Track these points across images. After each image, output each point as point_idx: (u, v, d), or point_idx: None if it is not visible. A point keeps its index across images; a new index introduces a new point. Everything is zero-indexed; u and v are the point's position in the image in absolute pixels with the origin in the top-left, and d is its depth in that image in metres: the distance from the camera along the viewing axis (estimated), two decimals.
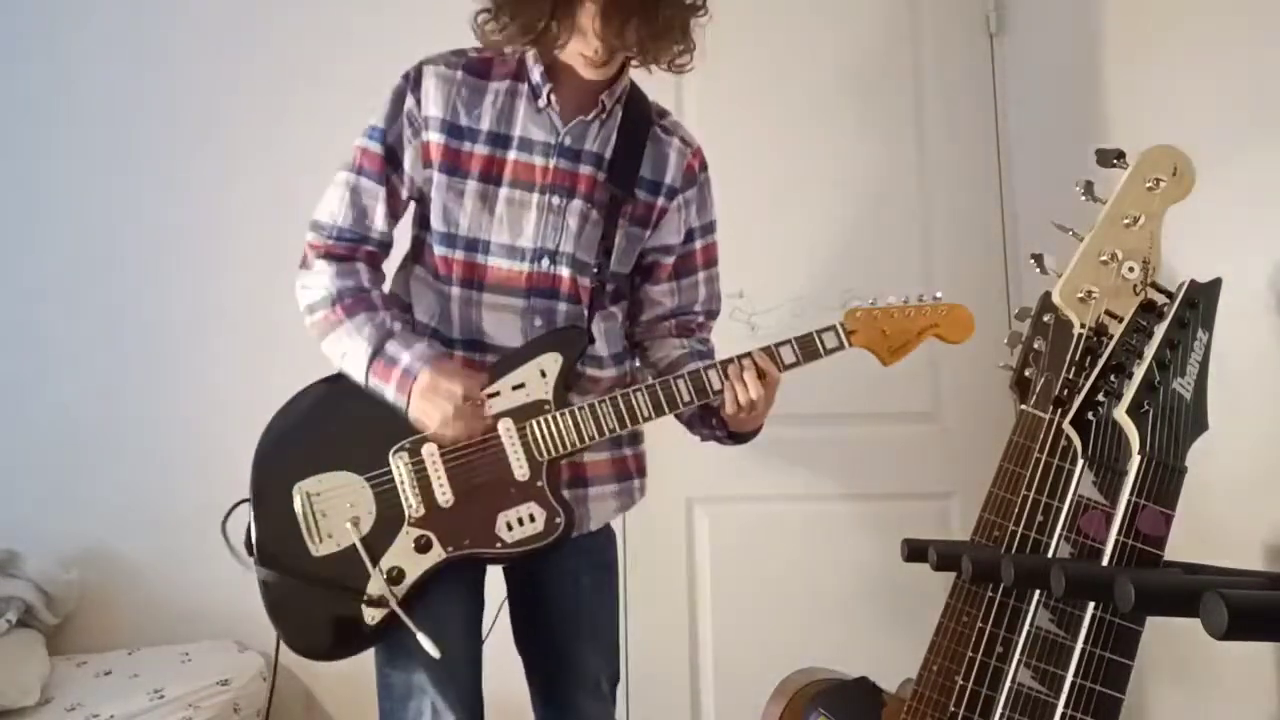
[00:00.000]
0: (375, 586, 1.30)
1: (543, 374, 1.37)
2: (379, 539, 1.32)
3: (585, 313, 1.44)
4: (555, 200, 1.41)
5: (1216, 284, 1.05)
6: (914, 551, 1.49)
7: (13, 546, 2.05)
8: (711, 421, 1.50)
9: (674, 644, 2.26)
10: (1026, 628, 1.11)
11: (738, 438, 1.53)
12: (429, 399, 1.31)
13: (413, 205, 1.47)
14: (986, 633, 1.30)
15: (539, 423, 1.34)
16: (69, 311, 2.29)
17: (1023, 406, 1.48)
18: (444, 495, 1.33)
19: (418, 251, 1.47)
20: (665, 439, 2.30)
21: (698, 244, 1.56)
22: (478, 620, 1.45)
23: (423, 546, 1.32)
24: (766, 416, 1.46)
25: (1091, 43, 2.04)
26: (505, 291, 1.40)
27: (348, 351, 1.35)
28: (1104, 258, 1.22)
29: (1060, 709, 0.99)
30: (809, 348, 1.41)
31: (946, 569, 1.39)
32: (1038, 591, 1.12)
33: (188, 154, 2.34)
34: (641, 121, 1.48)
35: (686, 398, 1.38)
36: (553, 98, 1.41)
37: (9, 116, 2.34)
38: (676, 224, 1.52)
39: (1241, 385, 1.48)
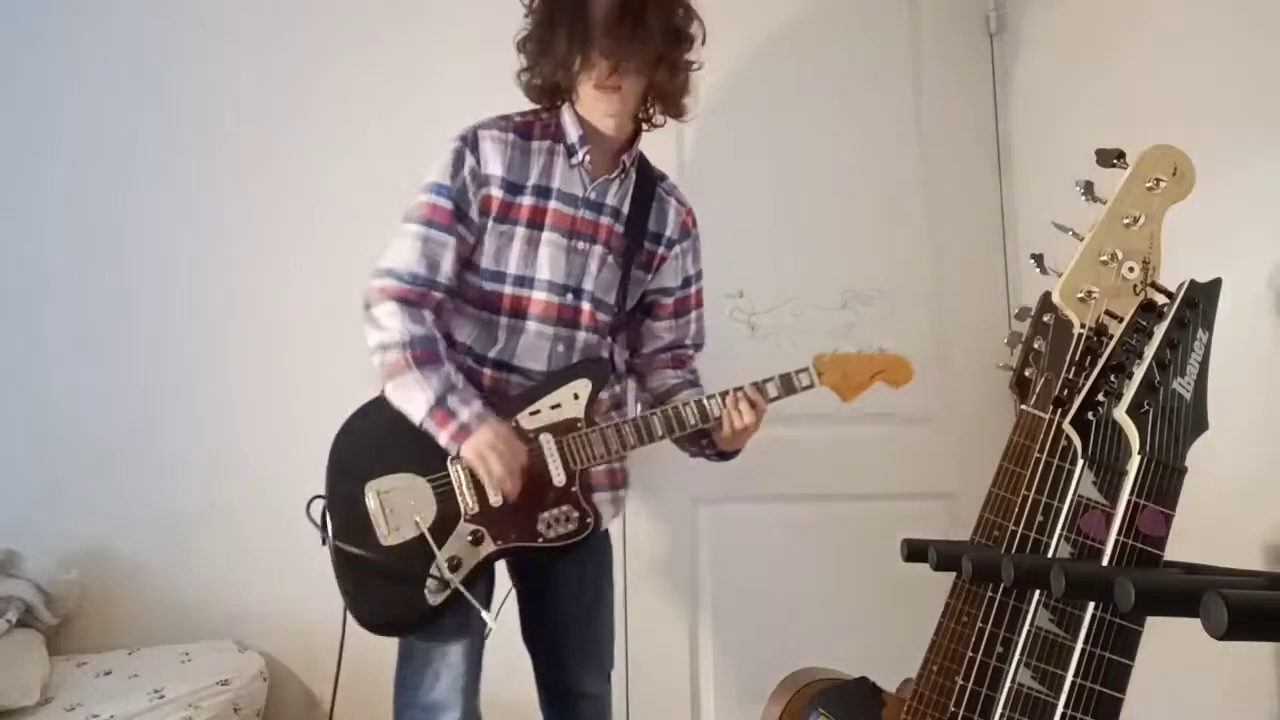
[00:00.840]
0: (440, 571, 1.51)
1: (575, 396, 1.62)
2: (438, 532, 1.53)
3: (601, 342, 1.70)
4: (580, 245, 1.66)
5: (1216, 284, 1.05)
6: (914, 551, 1.49)
7: (13, 546, 2.05)
8: (701, 441, 1.72)
9: (674, 644, 2.26)
10: (1026, 628, 1.11)
11: (724, 455, 1.75)
12: (486, 450, 1.51)
13: None
14: (986, 633, 1.30)
15: (573, 437, 1.59)
16: (70, 311, 2.29)
17: (1023, 406, 1.48)
18: (495, 498, 1.54)
19: (461, 287, 1.65)
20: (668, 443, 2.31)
21: (693, 288, 1.84)
22: (490, 601, 1.66)
23: (477, 539, 1.54)
24: (747, 439, 1.70)
25: (1091, 43, 2.04)
26: (541, 320, 1.64)
27: (412, 396, 1.53)
28: (1104, 258, 1.22)
29: (1060, 709, 0.99)
30: (789, 384, 1.68)
31: (946, 569, 1.39)
32: (1038, 591, 1.12)
33: (191, 152, 2.34)
34: (649, 183, 1.75)
35: (693, 421, 1.64)
36: (587, 157, 1.66)
37: (9, 116, 2.34)
38: (674, 270, 1.79)
39: (1242, 385, 1.48)
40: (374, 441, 1.58)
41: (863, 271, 2.37)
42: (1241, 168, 1.52)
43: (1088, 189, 1.27)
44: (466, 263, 1.64)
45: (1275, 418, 1.47)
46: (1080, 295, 1.23)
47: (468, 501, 1.54)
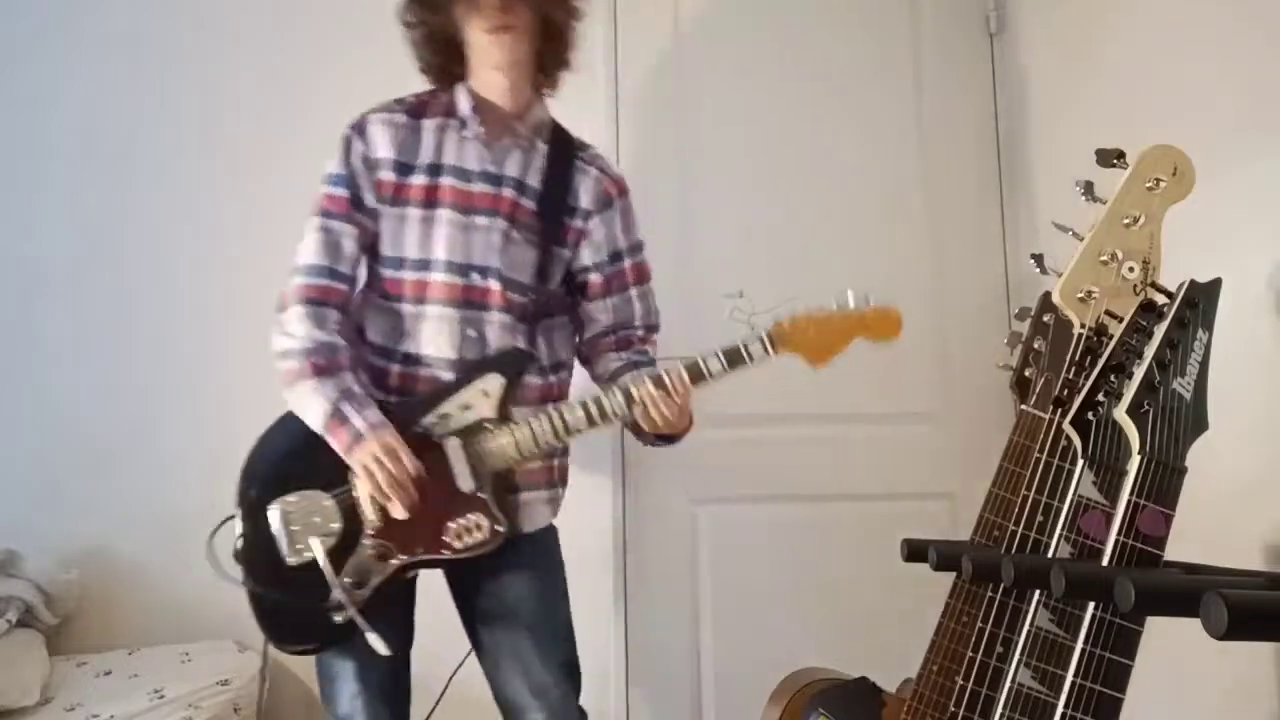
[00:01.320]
0: (337, 594, 1.43)
1: (485, 394, 1.52)
2: (342, 549, 1.46)
3: (519, 325, 1.59)
4: (481, 220, 1.57)
5: (1216, 284, 1.05)
6: (914, 551, 1.49)
7: (13, 546, 2.05)
8: (640, 429, 1.60)
9: (674, 644, 2.26)
10: (1026, 628, 1.11)
11: (663, 440, 1.64)
12: (370, 460, 1.44)
13: None
14: (986, 633, 1.30)
15: (482, 440, 1.49)
16: (70, 311, 2.29)
17: (1023, 406, 1.48)
18: (398, 510, 1.46)
19: (370, 279, 1.62)
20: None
21: (626, 263, 1.71)
22: (407, 619, 1.62)
23: (382, 554, 1.47)
24: (687, 421, 1.59)
25: (1091, 42, 2.04)
26: (444, 304, 1.55)
27: (309, 405, 1.49)
28: (1104, 258, 1.22)
29: (1060, 709, 0.99)
30: (734, 358, 1.53)
31: (946, 569, 1.39)
32: (1038, 591, 1.12)
33: (191, 152, 2.34)
34: (566, 155, 1.66)
35: (618, 410, 1.52)
36: (480, 127, 1.59)
37: (9, 115, 2.34)
38: (597, 244, 1.68)
39: (1242, 385, 1.48)
40: (283, 455, 1.53)
41: (863, 271, 2.36)
42: (1241, 168, 1.52)
43: (1088, 189, 1.27)
44: (373, 253, 1.60)
45: (1275, 418, 1.47)
46: (1080, 295, 1.23)
47: (369, 515, 1.47)
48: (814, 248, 2.37)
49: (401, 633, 1.59)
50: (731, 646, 2.25)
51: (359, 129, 1.59)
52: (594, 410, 1.51)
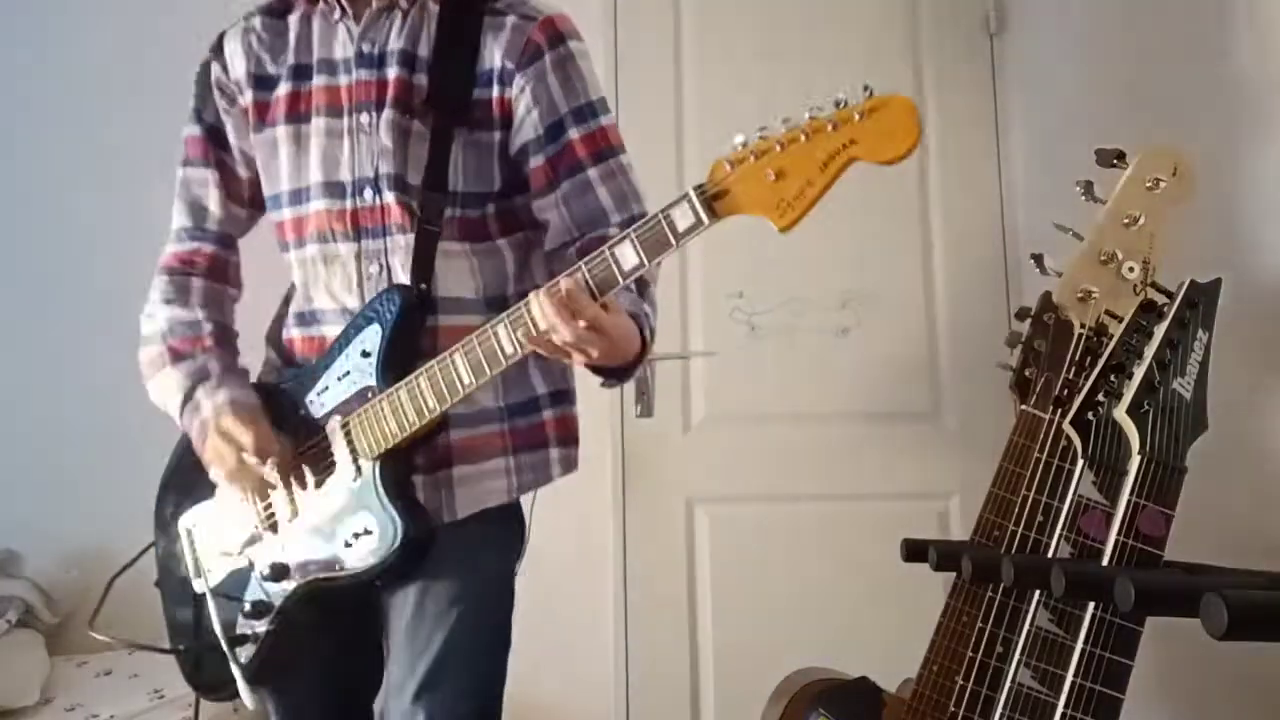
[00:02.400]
0: (240, 629, 1.19)
1: (365, 354, 1.15)
2: (245, 569, 1.21)
3: (463, 247, 1.22)
4: (364, 118, 1.20)
5: (1216, 284, 1.05)
6: (914, 551, 1.49)
7: (13, 546, 2.05)
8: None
9: (674, 644, 2.26)
10: (1026, 628, 1.11)
11: (608, 373, 1.16)
12: (215, 448, 1.19)
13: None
14: (986, 633, 1.30)
15: (361, 415, 1.14)
16: (69, 311, 2.29)
17: (1023, 406, 1.48)
18: (284, 512, 1.19)
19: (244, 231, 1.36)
20: (664, 439, 2.31)
21: (573, 133, 1.22)
22: (353, 672, 1.30)
23: (277, 573, 1.17)
24: (633, 346, 1.11)
25: (1091, 42, 2.04)
26: (335, 238, 1.22)
27: (168, 400, 1.26)
28: (1104, 258, 1.22)
29: (1060, 709, 0.99)
30: (654, 237, 1.00)
31: (946, 569, 1.39)
32: (1038, 591, 1.12)
33: None
34: (467, 11, 1.22)
35: (510, 350, 1.06)
36: (345, 4, 1.23)
37: (9, 115, 2.34)
38: (528, 113, 1.21)
39: (1241, 385, 1.48)
40: (184, 470, 1.29)
41: (863, 271, 2.37)
42: (1242, 168, 1.52)
43: (1088, 189, 1.27)
44: (257, 203, 1.33)
45: (1275, 417, 1.47)
46: (1080, 295, 1.23)
47: (259, 525, 1.21)
48: (814, 248, 2.37)
49: (346, 670, 1.30)
50: (731, 646, 2.25)
51: (215, 48, 1.31)
52: (481, 349, 1.07)
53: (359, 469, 1.14)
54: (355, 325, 1.18)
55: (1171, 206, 1.21)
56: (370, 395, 1.14)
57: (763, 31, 2.43)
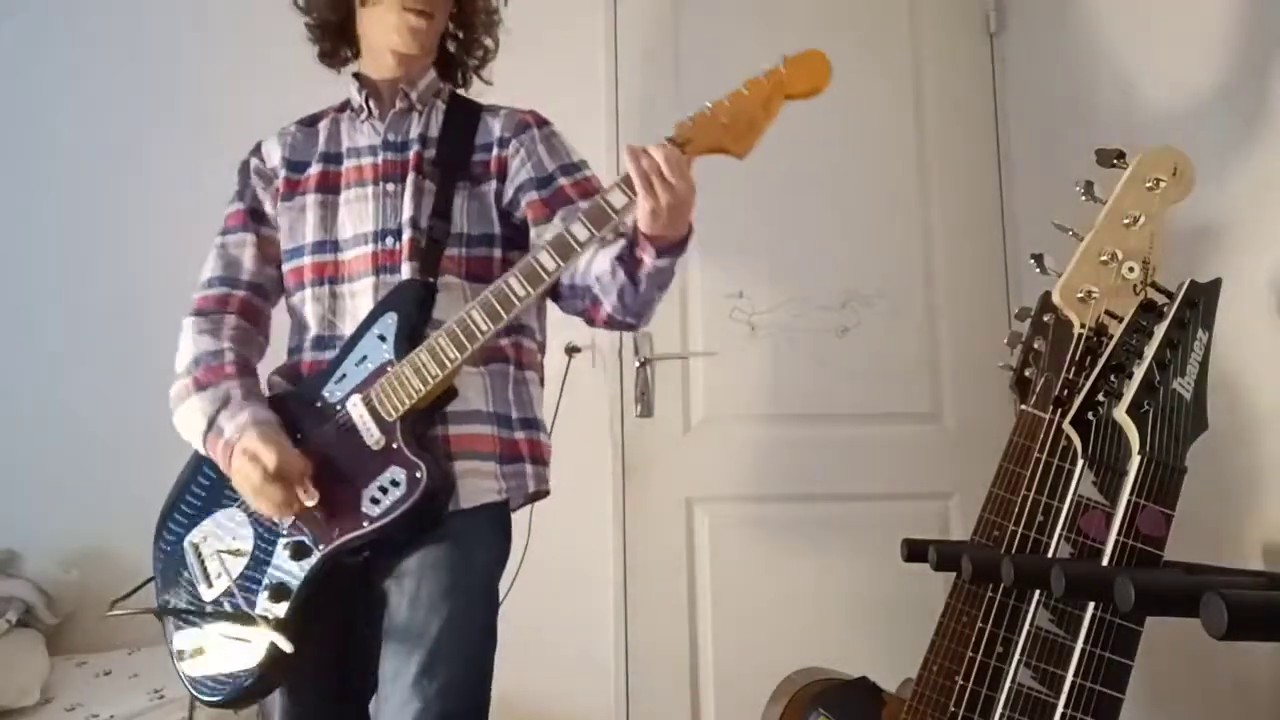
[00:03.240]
0: (259, 611, 1.27)
1: (381, 339, 1.33)
2: (261, 560, 1.31)
3: (461, 283, 1.39)
4: (390, 186, 1.44)
5: (1216, 284, 1.05)
6: (914, 551, 1.49)
7: (13, 546, 2.05)
8: (623, 257, 1.30)
9: (674, 644, 2.26)
10: (1026, 628, 1.11)
11: (660, 250, 1.28)
12: (239, 469, 1.29)
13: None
14: (986, 633, 1.30)
15: (382, 383, 1.30)
16: (69, 311, 2.29)
17: (1023, 406, 1.48)
18: (306, 493, 1.29)
19: (286, 294, 1.50)
20: (662, 437, 2.31)
21: (563, 181, 1.45)
22: (351, 678, 1.38)
23: (299, 552, 1.29)
24: (687, 211, 1.26)
25: (1091, 43, 2.04)
26: (356, 276, 1.41)
27: (191, 424, 1.38)
28: (1104, 258, 1.22)
29: (1060, 709, 0.99)
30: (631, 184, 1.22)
31: (946, 569, 1.39)
32: (1038, 591, 1.12)
33: (190, 154, 2.33)
34: (468, 110, 1.52)
35: (522, 293, 1.26)
36: (370, 104, 1.50)
37: (10, 115, 2.34)
38: (523, 164, 1.46)
39: (1241, 385, 1.48)
40: (185, 493, 1.42)
41: (862, 271, 2.37)
42: (1241, 168, 1.52)
43: (1088, 189, 1.27)
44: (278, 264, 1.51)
45: (1275, 417, 1.47)
46: (1080, 295, 1.23)
47: (274, 519, 1.32)
48: (814, 248, 2.37)
49: (345, 676, 1.39)
50: (731, 646, 2.25)
51: (255, 150, 1.56)
52: (494, 296, 1.27)
53: (383, 430, 1.29)
54: (368, 320, 1.35)
55: (1171, 206, 1.21)
56: (389, 369, 1.30)
57: (762, 32, 2.43)
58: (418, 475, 1.25)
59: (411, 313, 1.33)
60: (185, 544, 1.37)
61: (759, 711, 1.72)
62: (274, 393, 1.43)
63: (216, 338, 1.43)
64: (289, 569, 1.28)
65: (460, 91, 1.58)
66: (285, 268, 1.48)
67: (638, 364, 2.30)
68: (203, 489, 1.40)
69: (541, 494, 1.44)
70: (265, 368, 1.50)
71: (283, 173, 1.51)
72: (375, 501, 1.26)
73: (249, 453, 1.27)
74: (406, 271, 1.38)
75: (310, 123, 1.57)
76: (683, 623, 2.27)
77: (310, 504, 1.29)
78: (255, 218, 1.51)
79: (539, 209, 1.44)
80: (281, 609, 1.27)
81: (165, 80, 2.36)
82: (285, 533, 1.31)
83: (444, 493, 1.30)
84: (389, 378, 1.29)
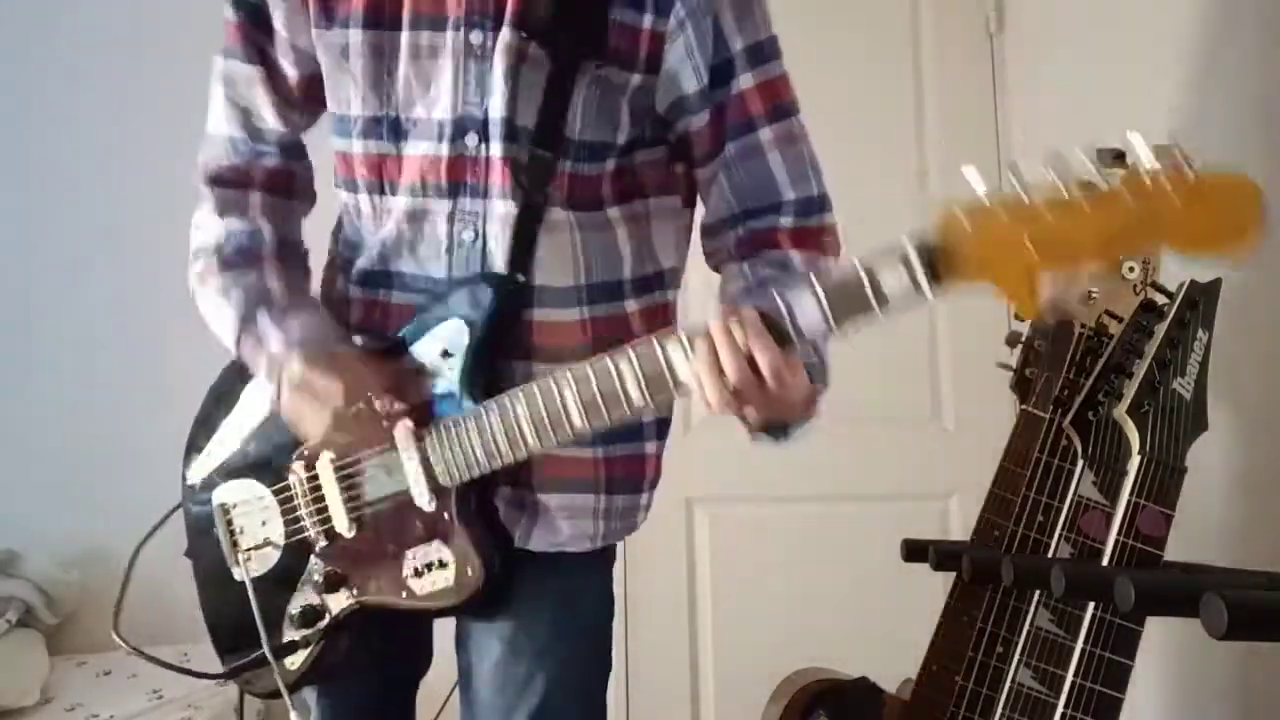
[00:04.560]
0: (286, 635, 1.01)
1: (446, 354, 0.96)
2: (291, 567, 1.02)
3: (573, 216, 0.99)
4: (475, 38, 0.95)
5: (1216, 284, 1.05)
6: (914, 551, 1.49)
7: (13, 546, 2.05)
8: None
9: (674, 644, 2.26)
10: (1026, 628, 1.11)
11: (773, 431, 1.04)
12: (303, 400, 0.97)
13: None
14: (986, 633, 1.30)
15: (442, 431, 0.95)
16: (69, 311, 2.29)
17: (1023, 406, 1.48)
18: (343, 522, 0.99)
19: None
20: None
21: (742, 81, 0.99)
22: (399, 670, 1.15)
23: (333, 584, 1.00)
24: (803, 400, 0.93)
25: (1092, 42, 2.03)
26: (424, 192, 0.98)
27: (220, 319, 1.04)
28: None
29: (1060, 709, 0.99)
30: (849, 301, 0.85)
31: (946, 569, 1.39)
32: (1038, 591, 1.12)
33: (191, 153, 2.33)
34: None
35: (635, 395, 0.86)
36: None
37: (9, 115, 2.34)
38: (683, 53, 0.96)
39: (1241, 385, 1.48)
40: (225, 421, 1.08)
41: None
42: (1241, 168, 1.52)
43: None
44: (312, 107, 1.08)
45: (1275, 417, 1.47)
46: (1080, 295, 1.23)
47: (309, 529, 1.00)
48: None
49: (393, 669, 1.14)
50: (731, 646, 2.25)
51: None
52: (594, 388, 0.87)
53: (434, 492, 0.96)
54: (435, 314, 0.97)
55: None
56: (449, 406, 0.97)
57: None
58: (469, 573, 0.95)
59: (490, 330, 0.95)
60: (214, 501, 1.07)
61: (759, 711, 1.72)
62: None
63: (245, 218, 1.06)
64: (323, 597, 1.01)
65: None
66: (334, 143, 1.05)
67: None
68: (248, 430, 1.06)
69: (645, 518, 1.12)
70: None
71: None
72: (418, 575, 0.97)
73: (309, 388, 0.96)
74: (499, 209, 0.96)
75: None
76: (683, 623, 2.27)
77: (347, 536, 0.99)
78: (259, 26, 1.04)
79: (700, 138, 1.01)
80: (311, 633, 1.01)
81: (166, 79, 2.36)
82: (319, 553, 1.01)
83: (495, 587, 0.98)
84: (450, 429, 0.95)
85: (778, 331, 0.83)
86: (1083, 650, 0.99)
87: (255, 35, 1.04)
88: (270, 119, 1.07)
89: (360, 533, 0.99)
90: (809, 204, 1.02)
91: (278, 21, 1.03)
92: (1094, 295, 1.23)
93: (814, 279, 0.84)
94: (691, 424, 2.32)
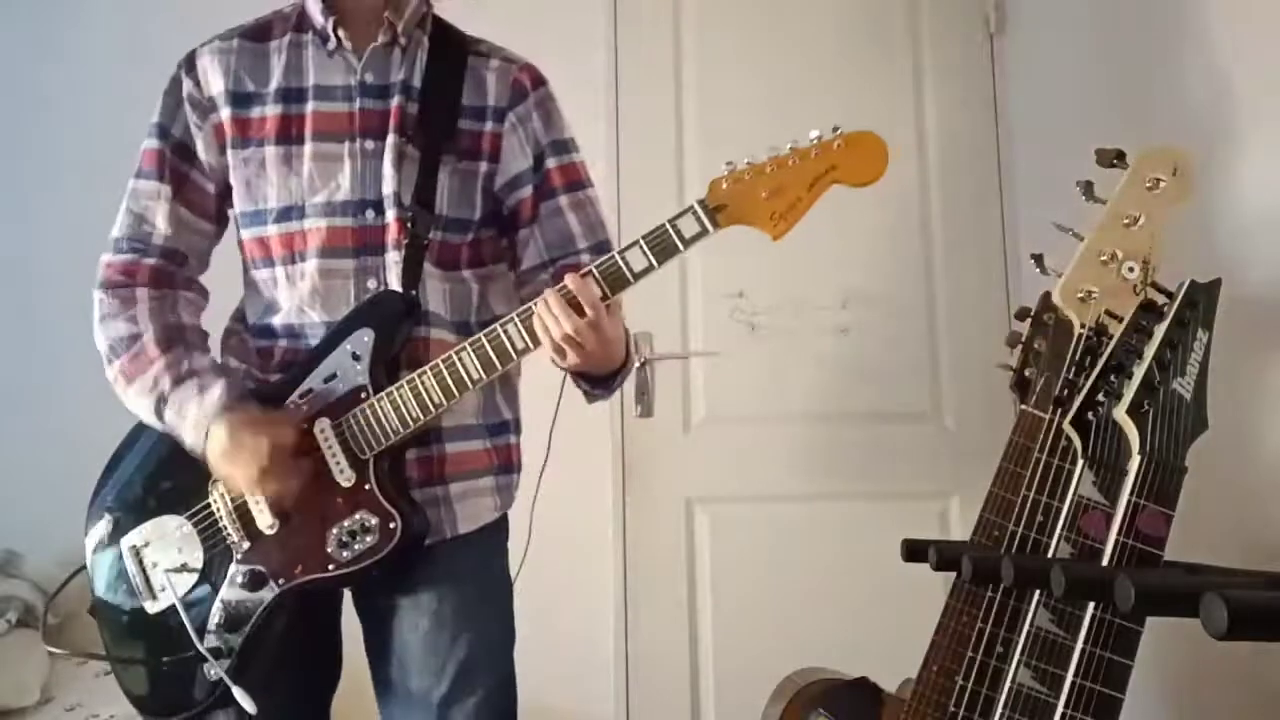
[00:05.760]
0: (209, 642, 1.17)
1: (354, 356, 1.19)
2: (210, 581, 1.20)
3: (444, 273, 1.27)
4: (369, 144, 1.25)
5: (1216, 284, 1.05)
6: (914, 551, 1.49)
7: (13, 546, 2.05)
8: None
9: (674, 644, 2.26)
10: (1026, 628, 1.11)
11: (592, 384, 1.28)
12: (233, 462, 1.16)
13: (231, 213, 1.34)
14: (986, 633, 1.30)
15: (356, 415, 1.17)
16: (69, 311, 2.28)
17: (1023, 406, 1.48)
18: (265, 520, 1.19)
19: (242, 255, 1.33)
20: (662, 437, 2.31)
21: (550, 164, 1.32)
22: (317, 677, 1.31)
23: (254, 583, 1.18)
24: (620, 351, 1.20)
25: (1092, 42, 2.04)
26: (333, 254, 1.24)
27: (137, 407, 1.27)
28: (1104, 258, 1.22)
29: (1060, 709, 0.99)
30: (662, 243, 1.14)
31: (946, 569, 1.39)
32: (1038, 591, 1.12)
33: None
34: (454, 49, 1.32)
35: (520, 343, 1.15)
36: (340, 33, 1.26)
37: (9, 115, 2.34)
38: (517, 148, 1.30)
39: (1241, 384, 1.48)
40: (126, 482, 1.29)
41: (863, 272, 2.37)
42: (1242, 167, 1.52)
43: (1088, 189, 1.27)
44: (222, 218, 1.33)
45: (1275, 417, 1.47)
46: (1080, 295, 1.23)
47: (233, 536, 1.20)
48: (814, 248, 2.36)
49: (311, 675, 1.30)
50: (731, 646, 2.25)
51: (186, 65, 1.31)
52: (491, 346, 1.16)
53: (354, 468, 1.18)
54: (341, 330, 1.21)
55: (1171, 206, 1.21)
56: (363, 395, 1.18)
57: (761, 31, 2.43)
58: (391, 526, 1.15)
59: (392, 333, 1.20)
60: (123, 545, 1.24)
61: (759, 711, 1.72)
62: (244, 387, 1.29)
63: (130, 320, 1.29)
64: (243, 598, 1.18)
65: (437, 11, 1.35)
66: (244, 235, 1.29)
67: (638, 364, 2.30)
68: (151, 481, 1.26)
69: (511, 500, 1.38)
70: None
71: (227, 110, 1.27)
72: (343, 545, 1.16)
73: (234, 438, 1.15)
74: (393, 259, 1.23)
75: (258, 36, 1.31)
76: (683, 623, 2.27)
77: (269, 532, 1.18)
78: (181, 155, 1.29)
79: (526, 208, 1.33)
80: (237, 639, 1.17)
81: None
82: (240, 558, 1.19)
83: (423, 535, 1.20)
84: (365, 411, 1.17)
85: (613, 279, 1.14)
86: (1083, 650, 0.99)
87: (175, 163, 1.29)
88: (164, 228, 1.30)
89: (283, 525, 1.18)
90: (600, 247, 1.32)
91: (200, 150, 1.29)
92: (1094, 295, 1.23)
93: (639, 239, 1.14)
94: (691, 425, 2.33)
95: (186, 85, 1.30)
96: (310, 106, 1.26)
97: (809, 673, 1.70)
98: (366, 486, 1.17)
